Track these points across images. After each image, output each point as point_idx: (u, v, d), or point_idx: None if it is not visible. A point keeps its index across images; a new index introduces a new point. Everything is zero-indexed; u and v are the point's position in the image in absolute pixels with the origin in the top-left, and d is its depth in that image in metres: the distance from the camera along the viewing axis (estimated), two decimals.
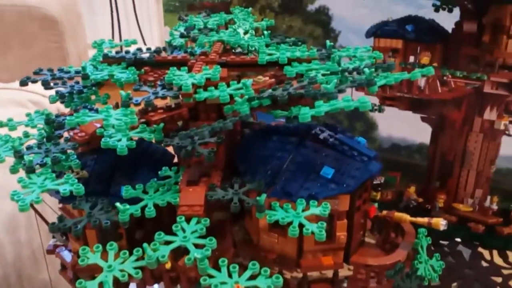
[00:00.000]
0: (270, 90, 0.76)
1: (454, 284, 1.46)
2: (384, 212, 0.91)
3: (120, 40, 2.57)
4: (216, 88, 0.79)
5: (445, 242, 1.55)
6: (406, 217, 0.91)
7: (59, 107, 1.99)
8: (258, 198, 0.75)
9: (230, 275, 0.69)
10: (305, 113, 0.67)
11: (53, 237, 1.00)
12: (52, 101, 0.91)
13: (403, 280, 0.85)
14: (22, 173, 0.78)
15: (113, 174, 0.91)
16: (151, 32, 2.78)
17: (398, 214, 0.91)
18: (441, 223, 0.87)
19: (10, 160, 0.82)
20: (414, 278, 0.87)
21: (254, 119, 1.25)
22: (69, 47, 1.97)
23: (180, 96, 0.79)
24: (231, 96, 0.78)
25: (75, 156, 0.83)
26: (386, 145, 1.49)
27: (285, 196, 0.80)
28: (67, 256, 0.94)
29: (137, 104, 0.77)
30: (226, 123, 0.72)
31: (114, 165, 0.92)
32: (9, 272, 1.48)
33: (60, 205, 0.94)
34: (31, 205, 1.00)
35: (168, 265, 0.86)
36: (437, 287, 1.45)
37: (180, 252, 0.93)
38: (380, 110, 1.41)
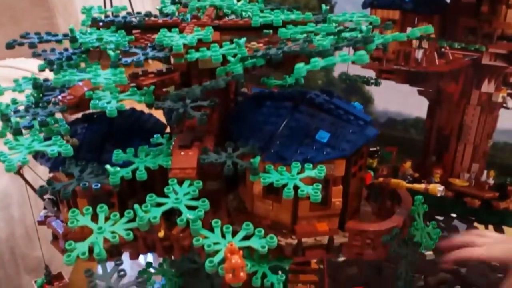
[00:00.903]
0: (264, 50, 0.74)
1: None
2: (380, 179, 0.90)
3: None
4: (208, 49, 0.76)
5: (441, 218, 1.54)
6: (403, 183, 0.89)
7: None
8: (252, 160, 0.73)
9: (223, 236, 0.67)
10: (300, 68, 0.65)
11: (44, 208, 0.99)
12: (41, 68, 0.89)
13: (399, 246, 0.84)
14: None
15: (104, 143, 0.89)
16: (144, 8, 2.74)
17: (394, 181, 0.90)
18: (438, 188, 0.86)
19: None
20: (410, 245, 0.85)
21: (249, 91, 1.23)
22: (59, 23, 1.94)
23: (171, 57, 0.76)
24: (224, 58, 0.76)
25: (64, 121, 0.82)
26: (382, 119, 1.47)
27: (280, 160, 0.78)
28: (59, 225, 0.93)
29: (126, 65, 0.75)
30: (218, 81, 0.70)
31: (105, 134, 0.91)
32: (2, 249, 1.47)
33: (51, 175, 0.93)
34: (22, 176, 0.99)
35: (161, 234, 0.85)
36: (432, 262, 1.44)
37: (173, 221, 0.92)
38: (377, 84, 1.40)
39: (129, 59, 0.75)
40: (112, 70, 0.73)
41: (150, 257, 1.26)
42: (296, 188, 0.72)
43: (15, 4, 1.97)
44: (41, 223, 0.97)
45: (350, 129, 0.80)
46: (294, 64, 0.74)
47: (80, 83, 0.79)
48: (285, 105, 0.84)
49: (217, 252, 0.65)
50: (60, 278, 1.10)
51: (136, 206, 0.67)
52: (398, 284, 0.86)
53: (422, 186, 0.87)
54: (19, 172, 0.97)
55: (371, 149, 0.92)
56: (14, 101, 0.85)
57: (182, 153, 0.76)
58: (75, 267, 1.80)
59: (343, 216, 0.85)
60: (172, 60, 0.80)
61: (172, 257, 1.00)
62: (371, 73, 1.40)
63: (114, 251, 0.91)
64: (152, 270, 1.03)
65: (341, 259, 1.49)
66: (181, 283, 1.04)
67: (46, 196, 0.99)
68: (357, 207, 0.90)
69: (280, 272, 0.82)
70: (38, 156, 0.90)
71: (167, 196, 0.70)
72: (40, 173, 1.02)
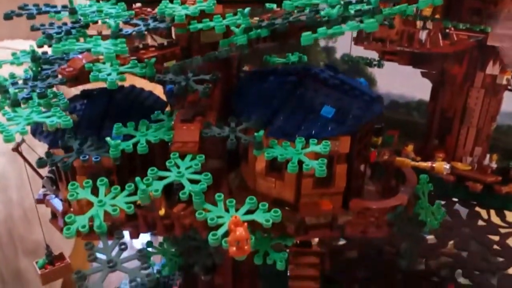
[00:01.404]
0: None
1: (451, 242, 1.45)
2: (385, 156, 0.89)
3: None
4: (211, 20, 0.75)
5: (442, 202, 1.53)
6: (408, 161, 0.88)
7: None
8: (256, 134, 0.71)
9: (227, 210, 0.66)
10: (307, 36, 0.63)
11: (43, 186, 0.97)
12: (39, 44, 0.87)
13: (404, 225, 0.82)
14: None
15: (103, 120, 0.87)
16: None
17: (399, 159, 0.88)
18: (444, 167, 0.84)
19: None
20: (415, 223, 0.84)
21: None
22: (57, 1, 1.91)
23: (172, 29, 0.75)
24: (227, 30, 0.74)
25: (63, 96, 0.80)
26: (385, 102, 1.44)
27: (283, 136, 0.77)
28: (58, 203, 0.91)
29: (127, 36, 0.73)
30: (220, 51, 0.68)
31: (104, 111, 0.89)
32: (0, 231, 1.46)
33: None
34: (20, 154, 0.97)
35: (162, 212, 0.83)
36: (433, 246, 1.43)
37: (174, 200, 0.90)
38: (380, 65, 1.38)
39: (130, 30, 0.73)
40: (113, 41, 0.71)
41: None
42: (300, 163, 0.70)
43: None
44: (39, 201, 0.96)
45: (356, 104, 0.78)
46: (298, 37, 0.73)
47: (80, 56, 0.77)
48: (289, 80, 0.82)
49: (220, 226, 0.63)
50: (61, 258, 1.08)
51: (137, 179, 0.66)
52: (402, 263, 0.85)
53: (428, 164, 0.86)
54: (17, 150, 0.96)
55: (376, 126, 0.90)
56: (12, 76, 0.83)
57: (184, 127, 0.74)
58: (75, 250, 1.78)
59: (346, 195, 0.84)
60: (173, 33, 0.78)
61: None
62: (374, 55, 1.38)
63: (113, 231, 0.90)
64: (152, 249, 1.02)
65: (342, 242, 1.48)
66: (181, 262, 1.03)
67: (45, 175, 0.98)
68: (361, 185, 0.89)
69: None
70: (37, 132, 0.88)
71: (169, 171, 0.69)
72: (39, 153, 1.00)
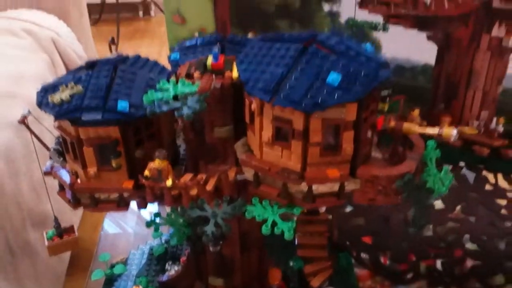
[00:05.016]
0: None
1: (458, 207, 1.45)
2: (392, 123, 0.88)
3: None
4: None
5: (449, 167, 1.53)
6: (415, 128, 0.87)
7: (53, 36, 1.92)
8: None
9: None
10: None
11: (50, 158, 0.98)
12: None
13: (412, 192, 0.82)
14: None
15: (109, 91, 0.87)
16: None
17: (406, 125, 0.88)
18: (452, 133, 0.84)
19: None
20: (423, 191, 0.84)
21: None
22: None
23: None
24: None
25: None
26: (390, 66, 1.43)
27: (290, 104, 0.76)
28: (65, 175, 0.92)
29: None
30: None
31: (110, 81, 0.89)
32: (8, 202, 1.47)
33: (56, 125, 0.91)
34: (27, 126, 0.97)
35: (169, 182, 0.84)
36: (441, 210, 1.44)
37: (181, 171, 0.91)
38: (385, 29, 1.36)
39: None
40: None
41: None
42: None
43: None
44: (47, 173, 0.96)
45: (362, 71, 0.77)
46: None
47: None
48: (295, 47, 0.81)
49: None
50: (70, 231, 1.10)
51: None
52: (411, 230, 0.85)
53: (435, 130, 0.85)
54: (23, 122, 0.96)
55: (383, 92, 0.89)
56: None
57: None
58: (82, 221, 1.80)
59: (354, 163, 0.83)
60: None
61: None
62: (378, 18, 1.36)
63: (122, 202, 0.90)
64: (160, 220, 1.03)
65: (348, 209, 1.49)
66: (189, 233, 1.04)
67: (52, 147, 0.98)
68: (368, 153, 0.88)
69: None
70: (43, 103, 0.87)
71: None
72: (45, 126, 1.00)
